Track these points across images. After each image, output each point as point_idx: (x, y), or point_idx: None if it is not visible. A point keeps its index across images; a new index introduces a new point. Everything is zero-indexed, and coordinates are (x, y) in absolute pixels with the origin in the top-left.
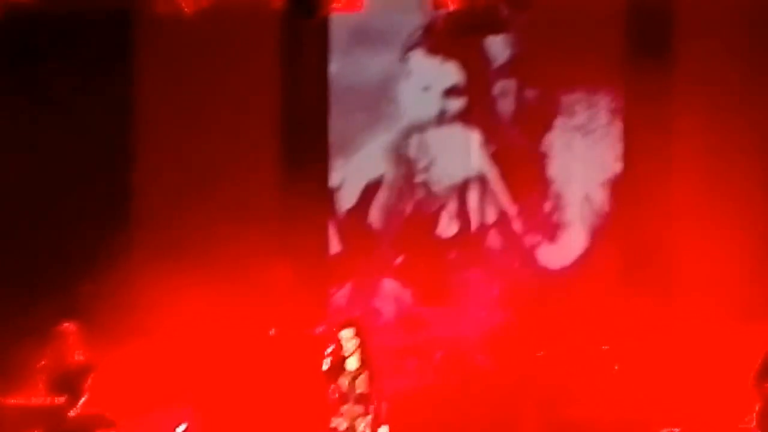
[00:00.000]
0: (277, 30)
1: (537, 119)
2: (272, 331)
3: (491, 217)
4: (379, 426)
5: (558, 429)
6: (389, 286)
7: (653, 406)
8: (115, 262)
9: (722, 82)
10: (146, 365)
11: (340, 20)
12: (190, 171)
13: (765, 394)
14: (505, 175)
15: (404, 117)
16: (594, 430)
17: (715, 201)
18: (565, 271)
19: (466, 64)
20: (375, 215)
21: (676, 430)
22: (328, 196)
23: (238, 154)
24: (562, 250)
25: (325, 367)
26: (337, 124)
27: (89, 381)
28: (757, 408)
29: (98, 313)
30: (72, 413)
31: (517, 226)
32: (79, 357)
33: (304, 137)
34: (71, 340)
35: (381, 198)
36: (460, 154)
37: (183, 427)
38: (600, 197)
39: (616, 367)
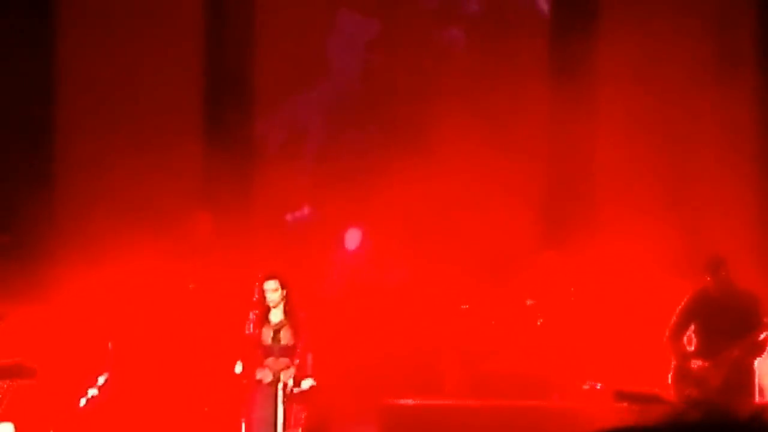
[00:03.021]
0: None
1: None
2: (191, 285)
3: None
4: (304, 378)
5: (481, 383)
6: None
7: (576, 360)
8: (35, 214)
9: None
10: (67, 316)
11: None
12: (113, 122)
13: (678, 351)
14: None
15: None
16: (517, 385)
17: (641, 153)
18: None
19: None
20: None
21: (599, 384)
22: (252, 147)
23: (161, 105)
24: None
25: (247, 331)
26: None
27: None
28: (672, 365)
29: (16, 264)
30: None
31: None
32: None
33: (229, 87)
34: None
35: (306, 150)
36: None
37: (104, 377)
38: None
39: (539, 321)
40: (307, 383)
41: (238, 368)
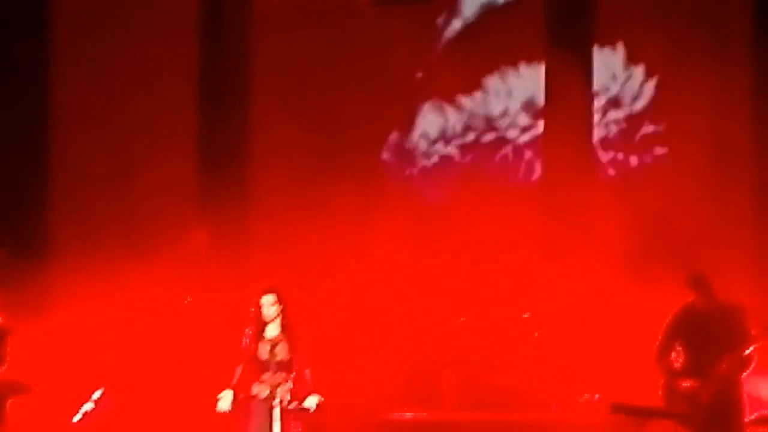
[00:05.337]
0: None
1: None
2: (187, 300)
3: None
4: (307, 394)
5: (478, 396)
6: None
7: (573, 373)
8: (32, 228)
9: None
10: (63, 332)
11: None
12: (108, 138)
13: (666, 369)
14: None
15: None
16: (515, 397)
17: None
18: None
19: None
20: None
21: (597, 395)
22: (248, 163)
23: (156, 122)
24: None
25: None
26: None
27: (8, 346)
28: (661, 383)
29: (14, 280)
30: None
31: None
32: None
33: (224, 105)
34: None
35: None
36: None
37: (99, 392)
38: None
39: (536, 334)
40: (313, 400)
41: (223, 405)
